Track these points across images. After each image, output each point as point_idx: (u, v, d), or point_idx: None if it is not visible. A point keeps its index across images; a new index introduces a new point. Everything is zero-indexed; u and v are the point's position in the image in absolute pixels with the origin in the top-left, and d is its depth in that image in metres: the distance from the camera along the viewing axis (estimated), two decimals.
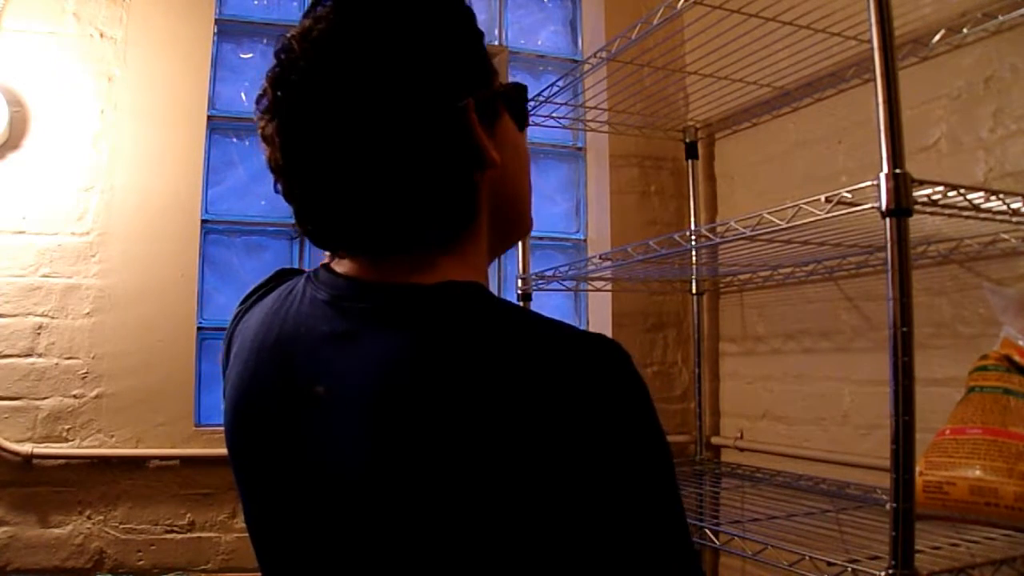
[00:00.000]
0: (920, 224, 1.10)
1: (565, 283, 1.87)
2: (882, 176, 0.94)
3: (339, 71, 0.51)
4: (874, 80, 0.95)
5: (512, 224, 0.64)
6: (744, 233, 1.19)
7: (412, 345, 0.50)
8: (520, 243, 1.84)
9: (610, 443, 0.47)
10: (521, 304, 1.82)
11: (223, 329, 2.08)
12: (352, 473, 0.50)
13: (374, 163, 0.51)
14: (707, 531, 1.26)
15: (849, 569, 0.97)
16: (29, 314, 1.65)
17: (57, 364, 1.65)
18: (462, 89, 0.54)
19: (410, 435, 0.48)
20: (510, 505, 0.46)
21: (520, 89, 0.64)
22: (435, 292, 0.53)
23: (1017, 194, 1.08)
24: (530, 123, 0.68)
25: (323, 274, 0.59)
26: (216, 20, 1.89)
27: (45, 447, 1.61)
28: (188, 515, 1.68)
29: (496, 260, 0.72)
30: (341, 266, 0.58)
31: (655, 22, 1.42)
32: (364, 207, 0.53)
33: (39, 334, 1.65)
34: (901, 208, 0.92)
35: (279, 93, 0.52)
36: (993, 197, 1.06)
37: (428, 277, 0.54)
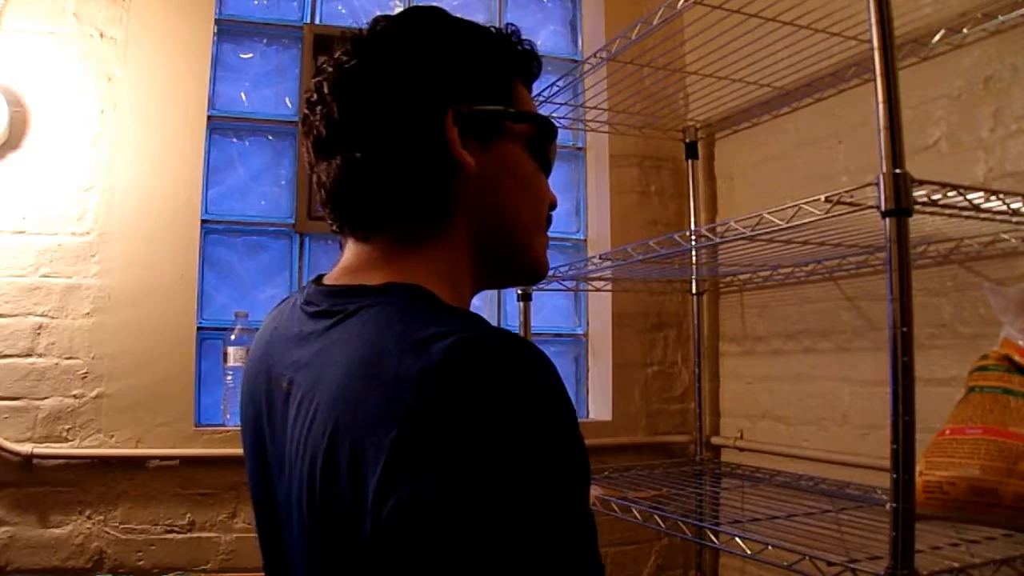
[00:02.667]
0: (920, 224, 1.10)
1: (565, 283, 1.87)
2: (882, 176, 0.94)
3: (353, 89, 0.64)
4: (874, 80, 0.95)
5: (504, 247, 0.66)
6: (744, 233, 1.19)
7: (337, 343, 0.55)
8: None
9: (462, 453, 0.43)
10: (521, 304, 1.82)
11: (223, 329, 2.08)
12: (296, 464, 0.54)
13: (368, 154, 0.61)
14: (707, 531, 1.26)
15: (849, 569, 0.97)
16: (29, 314, 1.65)
17: (57, 364, 1.65)
18: (443, 101, 0.62)
19: (327, 431, 0.49)
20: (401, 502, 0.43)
21: (538, 123, 0.68)
22: (372, 291, 0.58)
23: (1017, 194, 1.08)
24: (551, 166, 0.71)
25: (310, 283, 0.68)
26: (216, 20, 1.89)
27: (45, 447, 1.61)
28: (188, 515, 1.68)
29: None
30: (328, 275, 0.68)
31: (655, 22, 1.42)
32: (355, 186, 0.63)
33: (39, 334, 1.65)
34: (901, 208, 0.92)
35: (310, 115, 0.65)
36: (993, 197, 1.06)
37: (380, 276, 0.60)
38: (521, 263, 0.68)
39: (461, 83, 0.63)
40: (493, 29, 0.68)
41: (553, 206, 0.72)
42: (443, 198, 0.62)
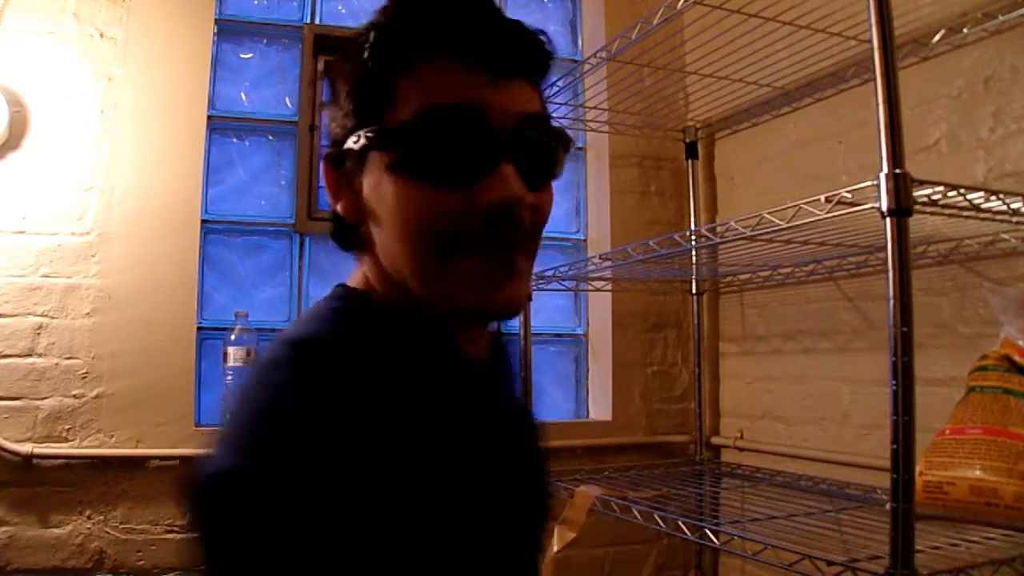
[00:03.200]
0: (920, 224, 1.10)
1: (565, 283, 1.87)
2: (882, 176, 0.94)
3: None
4: (874, 80, 0.95)
5: (401, 277, 0.58)
6: (744, 233, 1.19)
7: None
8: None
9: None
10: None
11: (223, 329, 2.08)
12: None
13: None
14: (707, 531, 1.26)
15: (849, 569, 0.97)
16: (29, 314, 1.65)
17: (57, 364, 1.65)
18: (331, 144, 0.61)
19: None
20: None
21: (398, 131, 0.55)
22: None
23: (1017, 194, 1.08)
24: (405, 168, 0.56)
25: None
26: (216, 20, 1.89)
27: (45, 447, 1.61)
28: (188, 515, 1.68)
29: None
30: None
31: (655, 22, 1.42)
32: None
33: (39, 334, 1.65)
34: (901, 208, 0.92)
35: None
36: (993, 197, 1.06)
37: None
38: (418, 290, 0.57)
39: (333, 118, 0.61)
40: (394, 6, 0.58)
41: (479, 209, 0.54)
42: (341, 230, 0.63)
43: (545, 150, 0.59)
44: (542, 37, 0.62)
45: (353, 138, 0.57)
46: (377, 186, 0.57)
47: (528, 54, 0.59)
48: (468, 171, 0.54)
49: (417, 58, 0.55)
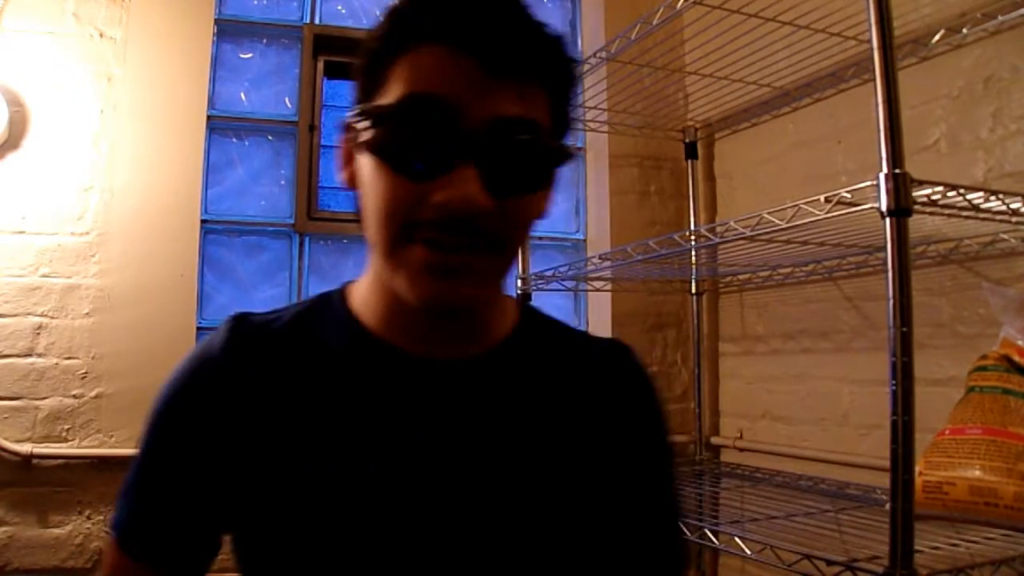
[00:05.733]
0: (920, 224, 1.10)
1: (565, 283, 1.87)
2: (882, 176, 0.94)
3: None
4: (874, 80, 0.95)
5: (378, 263, 0.61)
6: (744, 233, 1.19)
7: None
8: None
9: None
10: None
11: None
12: None
13: None
14: (707, 531, 1.26)
15: (849, 569, 0.97)
16: (29, 314, 1.65)
17: (57, 364, 1.65)
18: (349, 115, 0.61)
19: None
20: None
21: (373, 112, 0.56)
22: None
23: (1017, 194, 1.08)
24: (378, 149, 0.56)
25: None
26: (216, 20, 1.89)
27: (45, 447, 1.61)
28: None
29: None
30: None
31: (655, 22, 1.42)
32: None
33: (39, 334, 1.65)
34: (901, 208, 0.92)
35: None
36: (993, 197, 1.06)
37: None
38: (390, 278, 0.59)
39: (354, 96, 0.62)
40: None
41: (436, 207, 0.54)
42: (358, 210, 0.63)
43: (522, 158, 0.56)
44: (554, 40, 0.59)
45: (350, 112, 0.59)
46: (361, 163, 0.59)
47: (527, 55, 0.56)
48: (429, 165, 0.54)
49: (412, 44, 0.55)
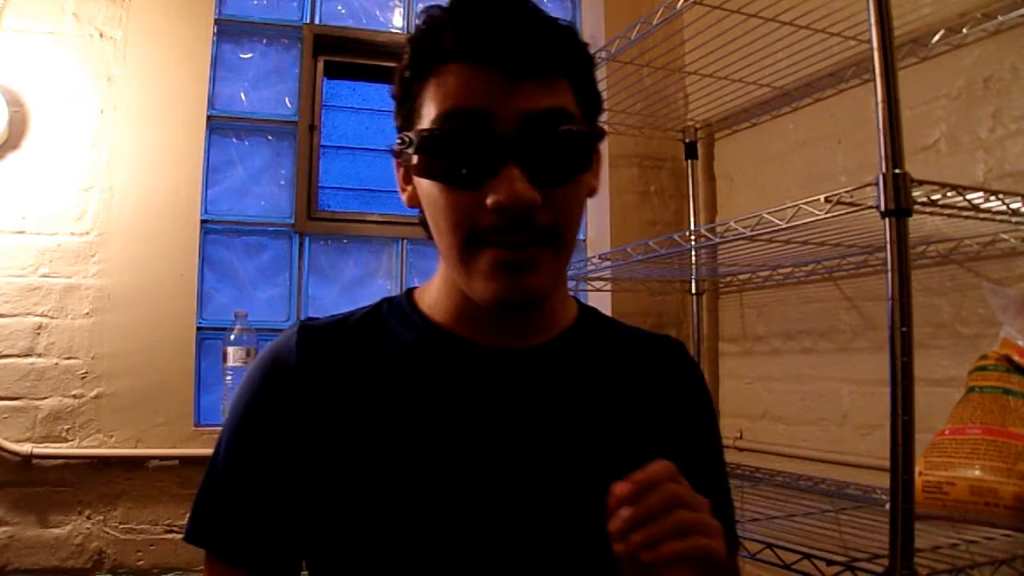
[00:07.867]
0: (920, 224, 1.10)
1: None
2: (881, 176, 0.94)
3: None
4: (874, 80, 0.95)
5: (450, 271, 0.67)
6: (744, 233, 1.20)
7: None
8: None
9: None
10: None
11: (222, 329, 2.08)
12: None
13: None
14: None
15: (849, 569, 0.97)
16: (29, 314, 1.65)
17: (57, 364, 1.65)
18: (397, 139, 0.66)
19: None
20: None
21: (415, 138, 0.61)
22: None
23: (1017, 194, 1.08)
24: (425, 173, 0.62)
25: None
26: (216, 20, 1.89)
27: (44, 447, 1.61)
28: (188, 515, 1.68)
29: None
30: None
31: (655, 22, 1.42)
32: None
33: (39, 334, 1.65)
34: (900, 208, 0.92)
35: None
36: (993, 197, 1.06)
37: None
38: (464, 284, 0.64)
39: (398, 120, 0.67)
40: (422, 21, 0.63)
41: (487, 215, 0.59)
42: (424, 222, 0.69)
43: (557, 148, 0.60)
44: (565, 29, 0.63)
45: (398, 139, 0.65)
46: (418, 184, 0.65)
47: (542, 52, 0.59)
48: (476, 173, 0.59)
49: (434, 67, 0.60)
